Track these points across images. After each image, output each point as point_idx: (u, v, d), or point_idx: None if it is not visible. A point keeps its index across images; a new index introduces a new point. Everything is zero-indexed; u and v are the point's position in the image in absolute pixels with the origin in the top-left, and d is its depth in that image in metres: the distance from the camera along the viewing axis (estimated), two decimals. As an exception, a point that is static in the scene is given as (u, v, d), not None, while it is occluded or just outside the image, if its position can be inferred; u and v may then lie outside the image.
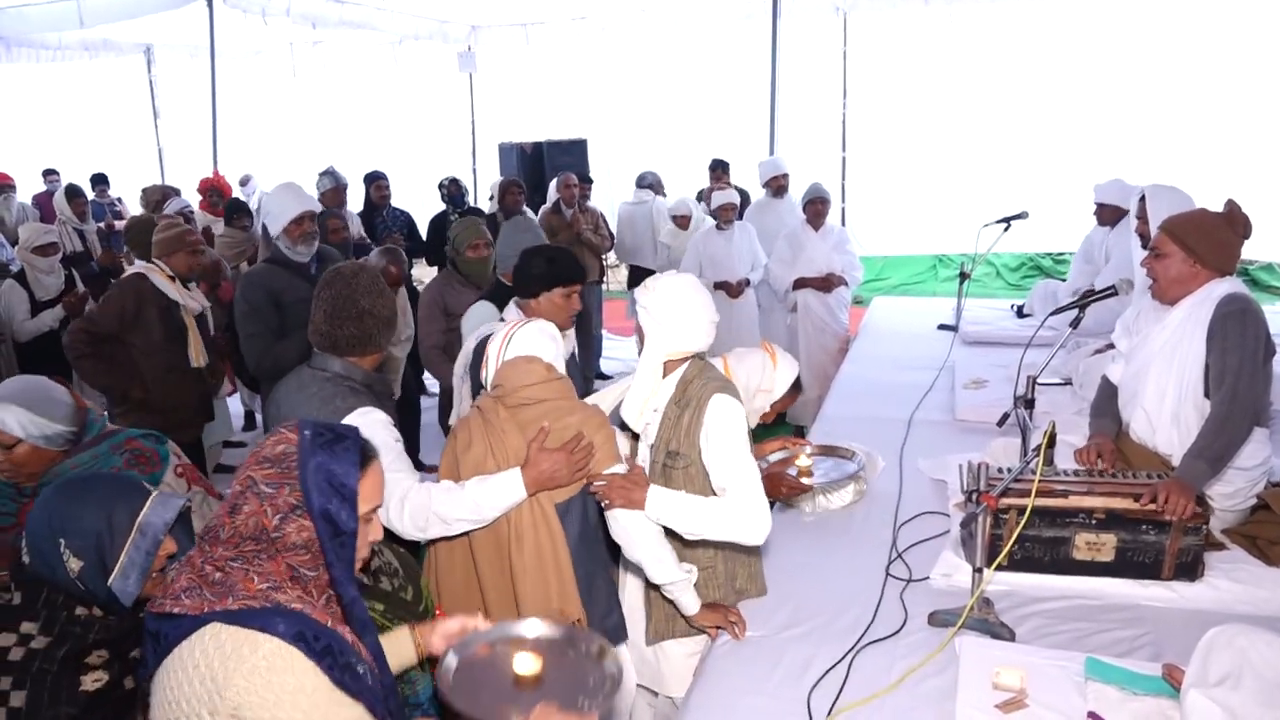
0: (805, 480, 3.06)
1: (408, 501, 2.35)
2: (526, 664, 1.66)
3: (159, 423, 4.07)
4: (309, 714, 1.43)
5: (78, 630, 1.85)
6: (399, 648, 1.89)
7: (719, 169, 8.36)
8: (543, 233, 4.07)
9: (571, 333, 3.33)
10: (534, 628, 1.79)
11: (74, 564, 1.81)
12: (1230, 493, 2.92)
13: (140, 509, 1.87)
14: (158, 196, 7.58)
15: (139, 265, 4.37)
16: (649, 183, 8.53)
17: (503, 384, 2.47)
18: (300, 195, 4.31)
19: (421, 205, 8.49)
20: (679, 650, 2.64)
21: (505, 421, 2.44)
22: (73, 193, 7.45)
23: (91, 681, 1.84)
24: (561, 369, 2.56)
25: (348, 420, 2.41)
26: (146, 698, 1.51)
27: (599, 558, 2.57)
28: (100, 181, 10.28)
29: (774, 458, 3.21)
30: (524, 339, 2.52)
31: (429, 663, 2.03)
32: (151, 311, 4.21)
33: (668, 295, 2.53)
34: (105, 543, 1.82)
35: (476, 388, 2.97)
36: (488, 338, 2.71)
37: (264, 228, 5.43)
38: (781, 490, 3.00)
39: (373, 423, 2.43)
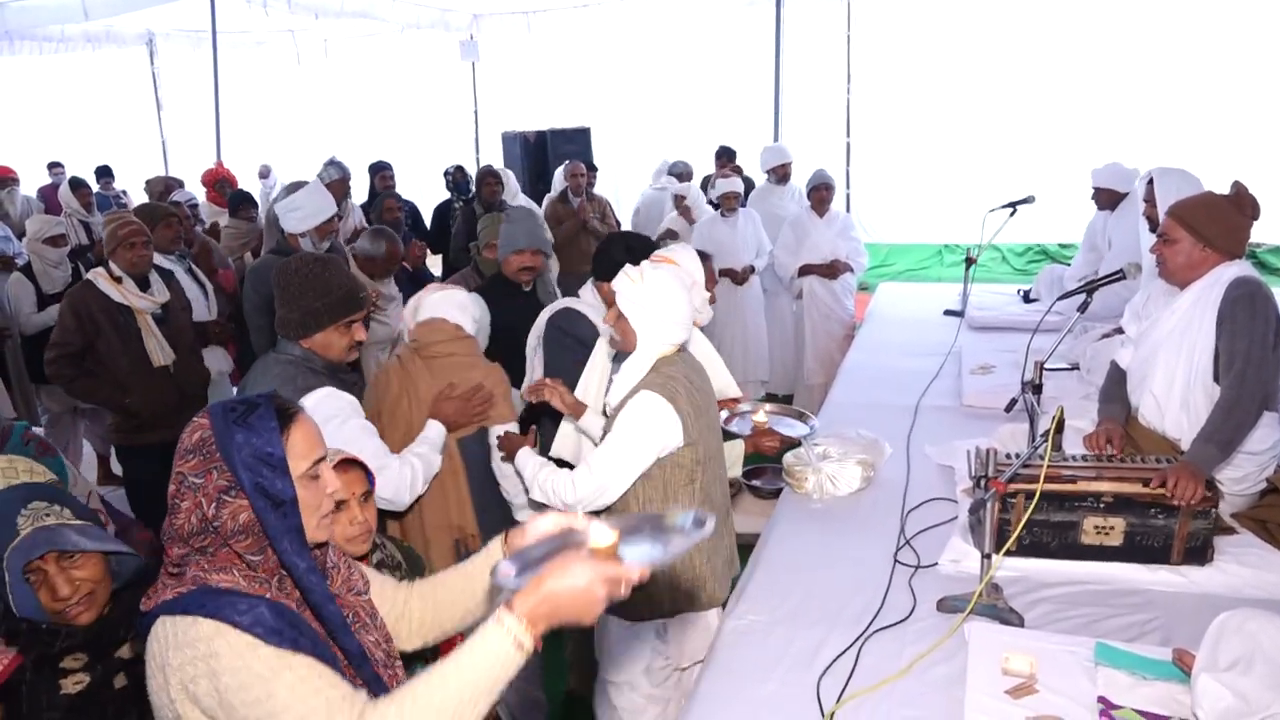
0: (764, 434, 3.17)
1: (386, 474, 2.59)
2: (603, 535, 1.44)
3: (145, 426, 4.11)
4: (257, 675, 1.39)
5: (45, 638, 1.86)
6: (488, 559, 1.73)
7: (725, 156, 8.32)
8: (541, 226, 4.01)
9: None
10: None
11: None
12: (1240, 477, 2.91)
13: (8, 541, 1.85)
14: (160, 188, 7.58)
15: (89, 274, 4.25)
16: (679, 171, 8.44)
17: (419, 338, 3.00)
18: (327, 199, 4.56)
19: (425, 195, 8.48)
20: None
21: (420, 370, 2.95)
22: (76, 184, 7.45)
23: (73, 684, 1.84)
24: (471, 332, 3.04)
25: (312, 399, 2.53)
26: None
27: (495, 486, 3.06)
28: (105, 174, 10.28)
29: (741, 409, 3.32)
30: (431, 304, 3.02)
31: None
32: (101, 318, 4.10)
33: (657, 290, 2.62)
34: None
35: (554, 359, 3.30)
36: (562, 310, 3.33)
37: (269, 219, 5.43)
38: (763, 446, 3.19)
39: (337, 400, 2.59)
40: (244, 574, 1.48)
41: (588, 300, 3.40)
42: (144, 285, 4.28)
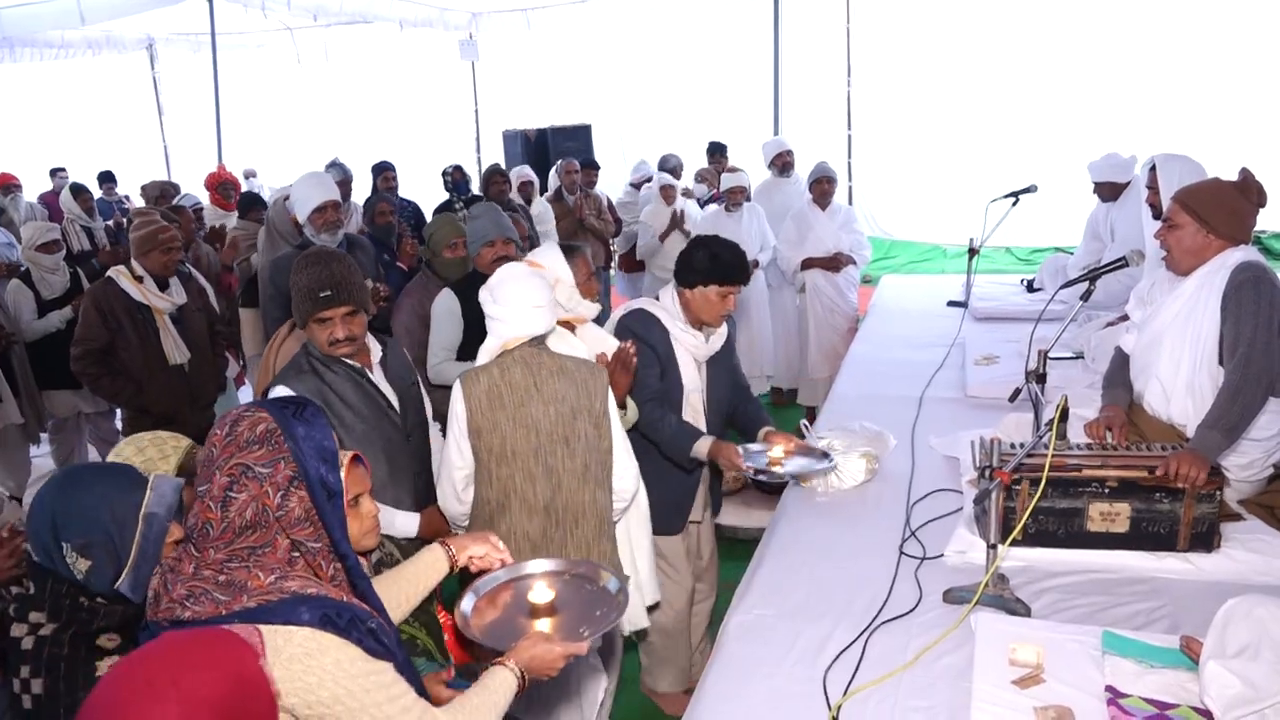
0: (776, 469, 3.13)
1: None
2: (541, 594, 1.90)
3: (159, 424, 4.11)
4: (349, 686, 1.48)
5: (84, 615, 1.86)
6: (433, 563, 2.03)
7: (717, 152, 8.32)
8: (504, 216, 4.00)
9: (722, 332, 3.38)
10: (546, 564, 2.05)
11: (81, 564, 1.80)
12: (1245, 464, 2.90)
13: (142, 500, 1.85)
14: (156, 193, 7.59)
15: (109, 271, 4.33)
16: (671, 166, 8.44)
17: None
18: (324, 184, 4.46)
19: (426, 195, 8.47)
20: None
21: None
22: (77, 190, 7.45)
23: (107, 666, 1.85)
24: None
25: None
26: None
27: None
28: (107, 179, 10.30)
29: (772, 449, 3.24)
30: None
31: (442, 654, 2.07)
32: (123, 316, 4.19)
33: (497, 287, 2.73)
34: (112, 543, 1.81)
35: None
36: (636, 311, 3.25)
37: (267, 220, 5.44)
38: (719, 458, 3.18)
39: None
40: (301, 572, 1.53)
41: (666, 304, 3.31)
42: (162, 286, 4.37)
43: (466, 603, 1.90)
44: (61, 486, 1.85)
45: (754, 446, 3.29)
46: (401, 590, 1.99)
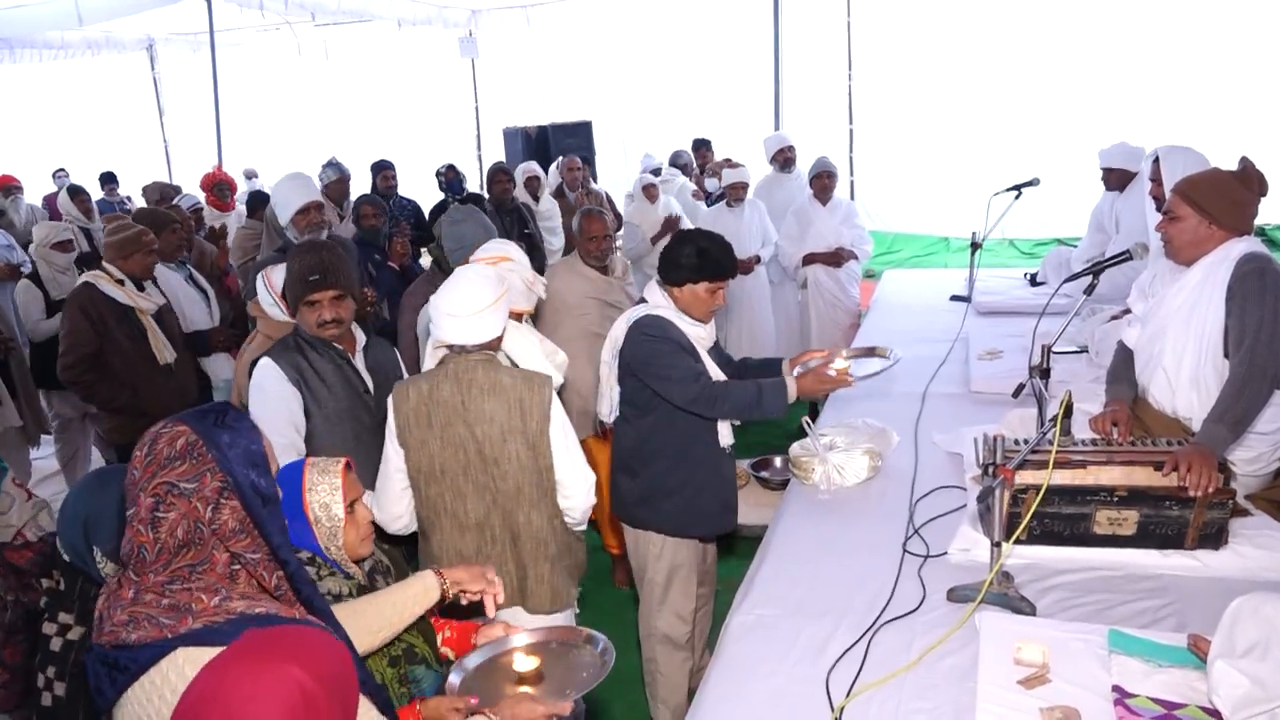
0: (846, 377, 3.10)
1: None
2: (525, 663, 1.92)
3: (149, 425, 4.10)
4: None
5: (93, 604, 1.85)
6: (424, 591, 2.04)
7: (702, 148, 8.31)
8: (488, 220, 3.95)
9: (713, 325, 3.25)
10: (526, 638, 2.05)
11: (109, 568, 1.81)
12: (1252, 458, 2.87)
13: None
14: (156, 195, 7.58)
15: (85, 275, 4.30)
16: (683, 163, 8.40)
17: None
18: (306, 186, 4.45)
19: (427, 194, 8.45)
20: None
21: None
22: (75, 192, 7.44)
23: None
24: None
25: (255, 368, 2.93)
26: None
27: None
28: (109, 180, 10.30)
29: (813, 363, 3.24)
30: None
31: (436, 660, 2.05)
32: (110, 319, 4.15)
33: (440, 289, 2.71)
34: None
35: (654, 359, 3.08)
36: (647, 318, 3.08)
37: (268, 220, 5.42)
38: (822, 386, 3.11)
39: (262, 368, 2.91)
40: (243, 590, 1.47)
41: (663, 305, 3.14)
42: (139, 287, 4.34)
43: (454, 678, 1.91)
44: (93, 490, 1.86)
45: (813, 363, 3.25)
46: (383, 614, 1.96)
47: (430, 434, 2.65)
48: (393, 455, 2.73)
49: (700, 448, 3.17)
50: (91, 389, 4.19)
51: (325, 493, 1.98)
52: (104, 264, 4.30)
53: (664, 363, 3.03)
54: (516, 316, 3.07)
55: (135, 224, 4.40)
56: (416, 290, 4.22)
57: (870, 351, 3.39)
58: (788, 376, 3.12)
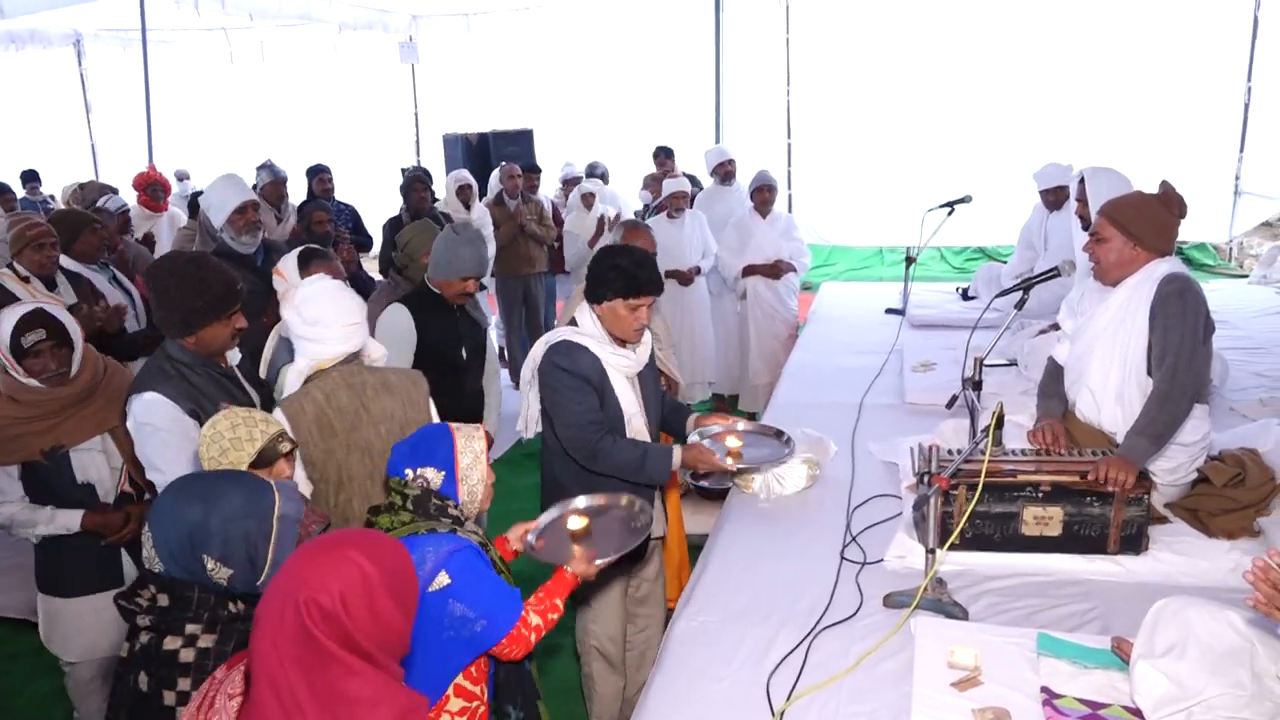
0: (729, 461, 3.00)
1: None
2: (576, 522, 2.55)
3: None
4: None
5: (241, 625, 1.84)
6: None
7: (663, 155, 8.36)
8: (485, 253, 3.78)
9: (647, 340, 3.10)
10: (584, 500, 2.68)
11: (223, 573, 1.81)
12: (1172, 468, 2.99)
13: (273, 504, 1.88)
14: (78, 197, 7.36)
15: None
16: (600, 172, 8.47)
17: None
18: (240, 186, 4.34)
19: (365, 199, 8.34)
20: None
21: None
22: (-1, 190, 7.22)
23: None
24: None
25: (135, 404, 2.63)
26: None
27: None
28: (31, 178, 9.96)
29: (714, 429, 3.19)
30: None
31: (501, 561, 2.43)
32: None
33: (305, 304, 2.65)
34: (254, 549, 1.83)
35: (554, 397, 2.96)
36: (560, 344, 2.94)
37: (202, 221, 5.31)
38: (704, 465, 2.99)
39: (149, 403, 2.61)
40: None
41: (587, 329, 2.97)
42: (50, 286, 4.22)
43: (531, 536, 2.49)
44: (191, 501, 1.83)
45: (706, 438, 3.12)
46: None
47: (336, 443, 2.62)
48: (297, 472, 2.60)
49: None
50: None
51: (471, 457, 2.23)
52: (12, 262, 4.21)
53: (559, 399, 2.91)
54: None
55: (33, 220, 4.29)
56: (380, 299, 4.14)
57: (776, 433, 3.23)
58: (675, 446, 2.99)
